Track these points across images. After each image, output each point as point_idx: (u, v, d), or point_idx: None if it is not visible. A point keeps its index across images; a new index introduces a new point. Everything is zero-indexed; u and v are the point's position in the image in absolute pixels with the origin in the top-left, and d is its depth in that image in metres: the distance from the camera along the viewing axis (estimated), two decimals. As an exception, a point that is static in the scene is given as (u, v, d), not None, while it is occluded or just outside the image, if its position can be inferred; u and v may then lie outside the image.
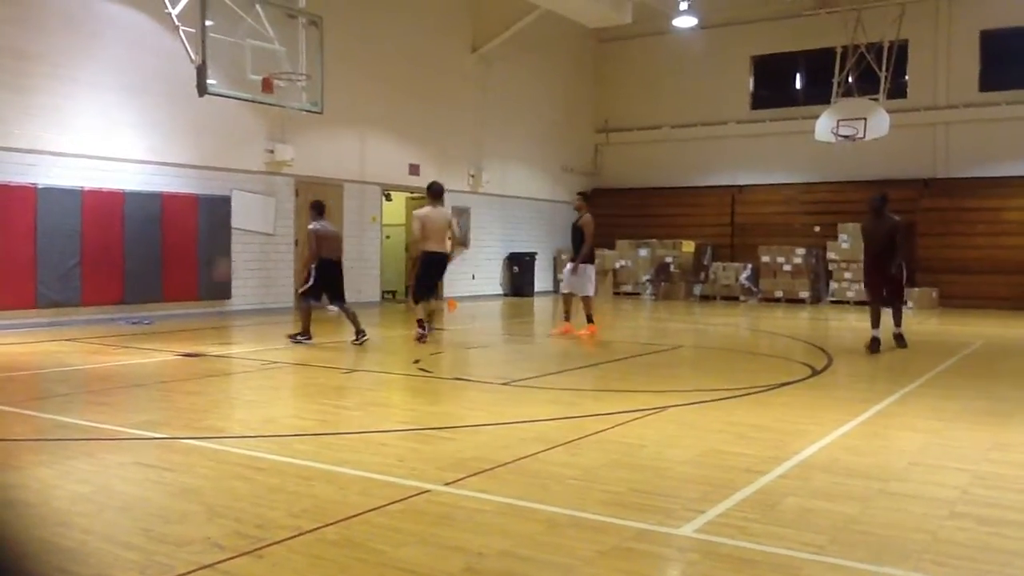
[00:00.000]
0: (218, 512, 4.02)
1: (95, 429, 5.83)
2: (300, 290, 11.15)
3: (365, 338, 10.75)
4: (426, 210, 11.23)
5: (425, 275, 11.30)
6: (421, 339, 11.05)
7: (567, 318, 12.27)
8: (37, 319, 12.43)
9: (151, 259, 13.78)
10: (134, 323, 13.12)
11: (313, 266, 10.89)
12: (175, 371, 8.80)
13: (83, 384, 8.26)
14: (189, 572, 3.28)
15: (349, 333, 11.08)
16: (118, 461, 5.08)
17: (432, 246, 11.15)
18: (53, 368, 9.05)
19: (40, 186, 12.43)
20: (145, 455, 5.23)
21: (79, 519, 3.95)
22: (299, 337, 10.83)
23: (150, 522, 3.94)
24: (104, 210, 13.16)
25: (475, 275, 20.91)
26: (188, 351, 10.01)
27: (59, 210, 12.60)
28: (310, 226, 10.99)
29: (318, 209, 11.10)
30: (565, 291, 12.51)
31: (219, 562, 3.38)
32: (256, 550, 3.51)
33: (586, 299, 12.13)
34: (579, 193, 12.82)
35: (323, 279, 10.89)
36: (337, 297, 11.09)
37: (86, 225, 12.93)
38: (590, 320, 12.07)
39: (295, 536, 3.68)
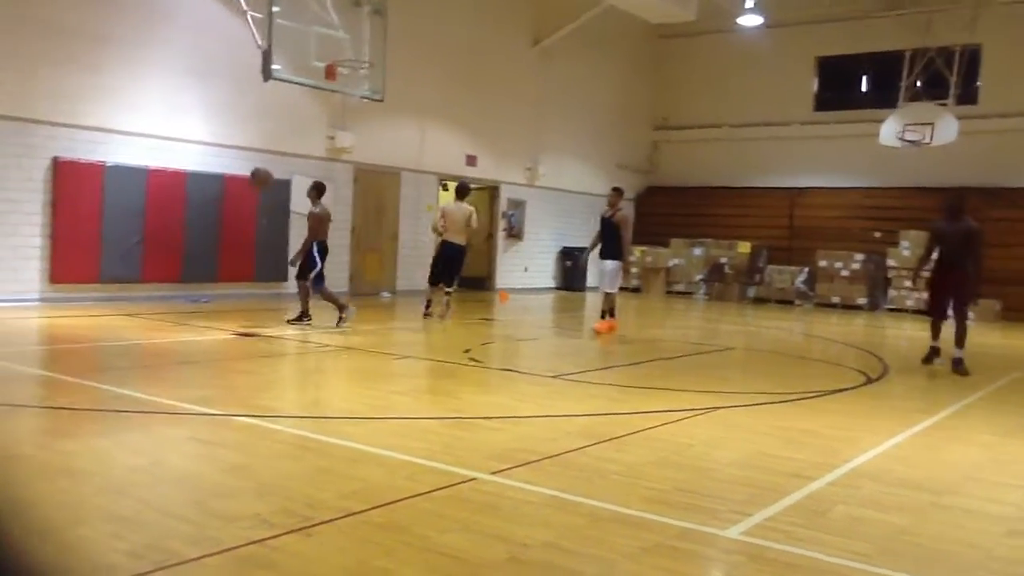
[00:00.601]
0: (268, 490, 4.09)
1: (151, 403, 5.97)
2: (311, 276, 10.89)
3: (309, 322, 10.85)
4: (450, 205, 12.61)
5: (437, 263, 12.63)
6: (426, 316, 12.35)
7: (612, 315, 12.08)
8: (99, 293, 12.75)
9: (210, 239, 14.04)
10: (191, 301, 13.39)
11: (315, 250, 10.90)
12: (230, 350, 8.97)
13: (141, 358, 8.47)
14: (239, 546, 3.35)
15: (398, 320, 11.18)
16: (173, 435, 5.21)
17: (450, 237, 12.47)
18: (113, 342, 9.28)
19: (108, 164, 12.74)
20: (199, 430, 5.35)
21: (135, 489, 4.06)
22: (341, 323, 10.86)
23: (202, 496, 4.03)
24: (167, 189, 13.44)
25: (528, 268, 20.93)
26: (243, 331, 10.19)
27: (125, 188, 12.89)
28: (313, 209, 10.98)
29: (320, 191, 11.17)
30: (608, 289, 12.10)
31: (268, 538, 3.44)
32: (304, 528, 3.57)
33: (610, 295, 11.94)
34: (615, 188, 12.37)
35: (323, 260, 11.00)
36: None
37: (149, 203, 13.21)
38: (611, 315, 11.89)
39: (343, 517, 3.74)
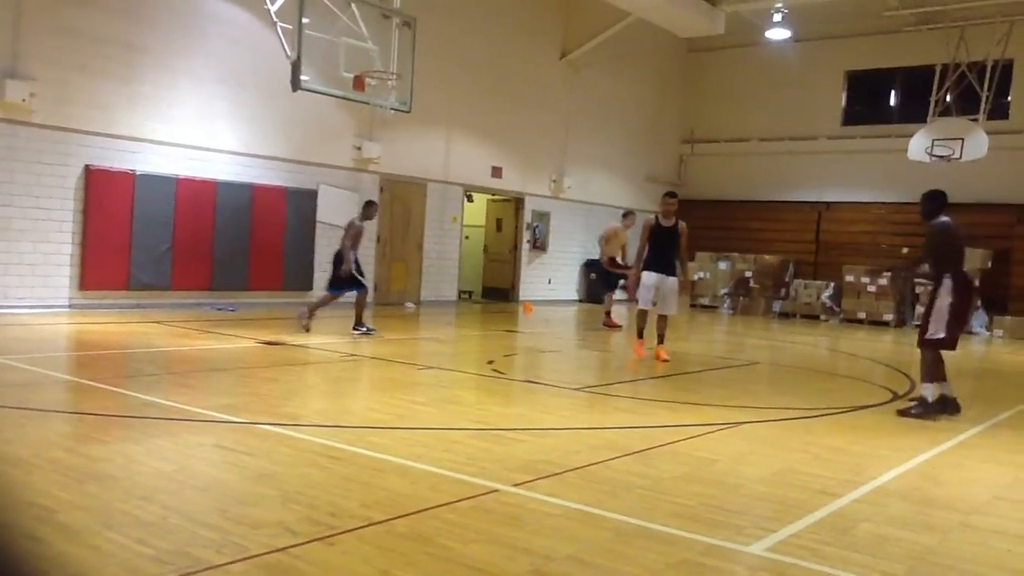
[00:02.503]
0: (292, 498, 4.11)
1: (178, 410, 6.02)
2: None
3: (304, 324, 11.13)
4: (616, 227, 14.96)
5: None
6: (611, 326, 14.37)
7: (661, 340, 10.44)
8: (128, 300, 12.90)
9: (239, 248, 14.16)
10: (219, 309, 13.50)
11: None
12: (256, 358, 9.03)
13: (169, 365, 8.55)
14: (262, 554, 3.37)
15: (423, 330, 11.20)
16: (199, 442, 5.25)
17: (612, 253, 14.60)
18: (142, 349, 9.38)
19: (138, 172, 12.90)
20: (225, 438, 5.38)
21: (161, 495, 4.09)
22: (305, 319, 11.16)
23: (227, 503, 4.06)
24: (197, 198, 13.58)
25: (551, 280, 20.92)
26: (269, 339, 10.26)
27: (155, 196, 13.05)
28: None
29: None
30: (653, 309, 10.46)
31: (291, 546, 3.46)
32: (327, 537, 3.59)
33: (666, 318, 10.50)
34: (673, 193, 10.73)
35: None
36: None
37: (179, 212, 13.36)
38: (661, 340, 10.46)
39: (366, 526, 3.75)
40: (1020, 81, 19.87)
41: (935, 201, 7.94)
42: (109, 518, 3.72)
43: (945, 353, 7.50)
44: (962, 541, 4.09)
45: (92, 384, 7.10)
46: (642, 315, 10.58)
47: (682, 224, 10.39)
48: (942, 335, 7.36)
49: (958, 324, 7.45)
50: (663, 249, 10.31)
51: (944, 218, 7.78)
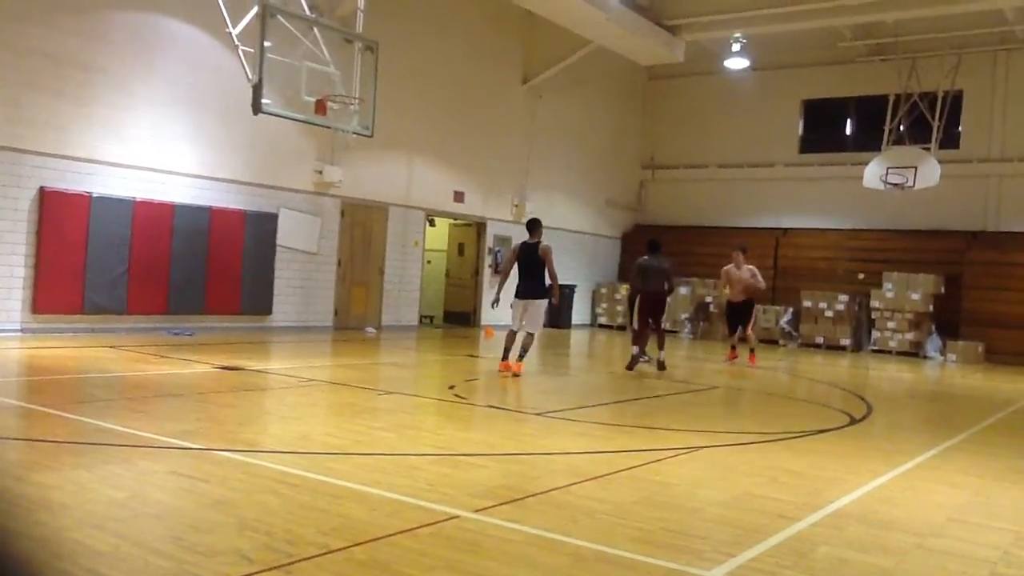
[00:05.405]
0: (249, 525, 4.05)
1: (133, 436, 5.91)
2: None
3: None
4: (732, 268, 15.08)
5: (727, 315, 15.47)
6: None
7: (518, 355, 10.96)
8: (83, 324, 12.67)
9: (196, 271, 13.99)
10: (175, 334, 13.31)
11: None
12: (213, 383, 8.90)
13: (123, 391, 8.39)
14: (218, 583, 3.31)
15: (383, 355, 11.11)
16: (154, 469, 5.15)
17: (732, 295, 14.95)
18: (96, 374, 9.21)
19: (95, 195, 12.72)
20: (180, 464, 5.29)
21: (113, 523, 4.00)
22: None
23: (182, 531, 3.98)
24: (154, 221, 13.41)
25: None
26: (227, 364, 10.13)
27: (111, 219, 12.86)
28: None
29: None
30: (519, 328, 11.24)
31: (248, 575, 3.40)
32: (285, 565, 3.53)
33: (532, 336, 11.19)
34: (534, 220, 11.42)
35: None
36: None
37: (136, 235, 13.18)
38: (522, 357, 10.94)
39: (324, 554, 3.70)
40: (970, 111, 20.41)
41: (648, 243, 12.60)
42: (59, 548, 3.63)
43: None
44: (918, 563, 4.13)
45: (43, 410, 6.95)
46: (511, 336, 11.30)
47: (544, 245, 11.09)
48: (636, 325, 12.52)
49: (639, 321, 12.53)
50: (531, 267, 11.14)
51: (644, 258, 12.39)
